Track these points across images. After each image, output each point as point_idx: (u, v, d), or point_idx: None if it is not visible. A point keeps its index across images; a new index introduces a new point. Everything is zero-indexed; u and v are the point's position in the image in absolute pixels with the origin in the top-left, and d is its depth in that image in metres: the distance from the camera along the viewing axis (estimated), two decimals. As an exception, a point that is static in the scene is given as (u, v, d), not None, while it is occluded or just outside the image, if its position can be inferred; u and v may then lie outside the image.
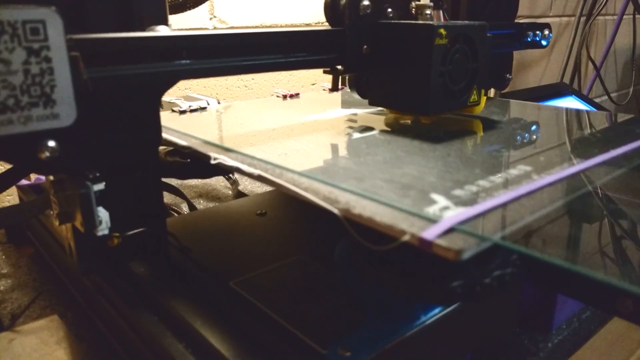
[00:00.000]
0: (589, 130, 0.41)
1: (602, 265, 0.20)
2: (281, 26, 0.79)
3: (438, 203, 0.21)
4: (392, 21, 0.36)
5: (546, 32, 0.52)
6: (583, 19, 1.21)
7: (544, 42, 0.52)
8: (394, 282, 0.22)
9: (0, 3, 0.21)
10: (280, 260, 0.32)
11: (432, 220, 0.19)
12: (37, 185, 0.50)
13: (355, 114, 0.42)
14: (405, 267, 0.22)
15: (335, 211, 0.21)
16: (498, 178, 0.25)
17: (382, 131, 0.35)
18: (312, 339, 0.24)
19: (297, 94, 0.55)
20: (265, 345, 0.25)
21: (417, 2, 0.39)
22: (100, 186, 0.29)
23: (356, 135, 0.35)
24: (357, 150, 0.31)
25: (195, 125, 0.40)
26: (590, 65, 1.28)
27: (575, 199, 0.23)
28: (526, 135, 0.36)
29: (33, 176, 0.52)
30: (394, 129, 0.36)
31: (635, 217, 0.24)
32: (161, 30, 0.29)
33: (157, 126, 0.30)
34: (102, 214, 0.30)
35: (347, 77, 0.41)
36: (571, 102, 0.69)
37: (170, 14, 0.49)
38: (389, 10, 0.37)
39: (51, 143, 0.25)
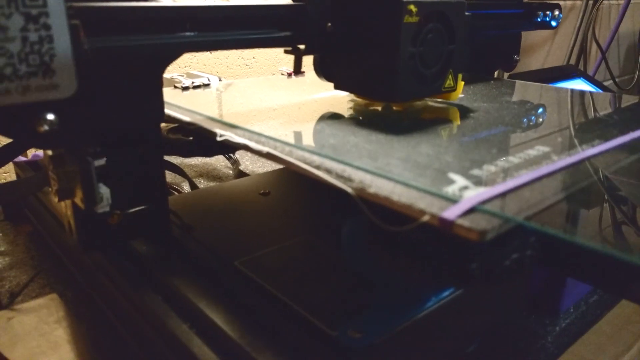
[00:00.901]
0: (605, 112, 0.40)
1: (617, 246, 0.19)
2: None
3: (457, 182, 0.20)
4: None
5: (556, 12, 0.51)
6: (590, 2, 1.19)
7: (553, 23, 0.51)
8: (410, 264, 0.21)
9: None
10: (286, 240, 0.31)
11: (451, 200, 0.18)
12: (35, 162, 0.49)
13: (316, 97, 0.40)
14: (422, 249, 0.22)
15: (350, 190, 0.20)
16: (517, 159, 0.24)
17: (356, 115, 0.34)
18: (321, 321, 0.24)
19: (303, 72, 0.54)
20: (271, 326, 0.24)
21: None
22: (101, 162, 0.28)
23: (362, 114, 0.34)
24: (367, 128, 0.30)
25: (199, 101, 0.39)
26: (594, 49, 1.27)
27: (594, 182, 0.22)
28: (536, 118, 0.36)
29: (30, 152, 0.51)
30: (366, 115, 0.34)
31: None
32: (164, 0, 0.27)
33: (159, 101, 0.29)
34: (103, 190, 0.29)
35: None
36: (580, 85, 0.68)
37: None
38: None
39: (50, 116, 0.24)
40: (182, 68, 0.68)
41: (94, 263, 0.32)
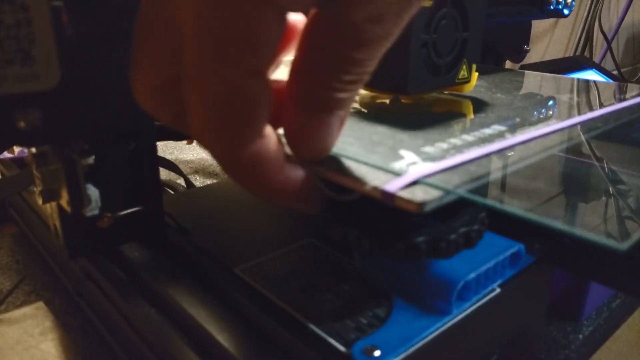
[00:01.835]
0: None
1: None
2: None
3: (405, 159, 0.20)
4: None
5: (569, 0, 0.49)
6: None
7: (566, 11, 0.49)
8: (358, 239, 0.21)
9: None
10: (290, 244, 0.29)
11: (397, 175, 0.18)
12: (21, 159, 0.46)
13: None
14: (370, 223, 0.21)
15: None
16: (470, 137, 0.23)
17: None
18: (332, 336, 0.21)
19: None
20: (278, 342, 0.22)
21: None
22: (89, 160, 0.26)
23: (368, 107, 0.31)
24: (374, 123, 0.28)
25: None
26: (597, 40, 1.25)
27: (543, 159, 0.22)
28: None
29: (17, 148, 0.49)
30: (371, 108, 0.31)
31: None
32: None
33: (152, 93, 0.27)
34: (92, 191, 0.26)
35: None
36: (592, 76, 0.66)
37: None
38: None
39: (31, 109, 0.22)
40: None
41: (81, 269, 0.30)
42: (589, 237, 0.15)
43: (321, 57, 0.15)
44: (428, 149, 0.21)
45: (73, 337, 0.30)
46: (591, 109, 0.30)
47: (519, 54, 0.52)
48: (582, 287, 0.32)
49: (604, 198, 0.23)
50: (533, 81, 0.40)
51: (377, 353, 0.20)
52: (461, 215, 0.23)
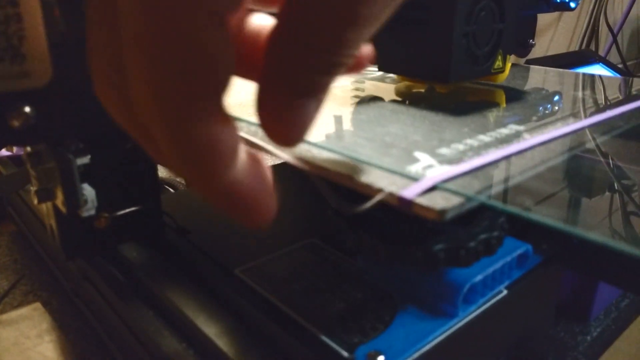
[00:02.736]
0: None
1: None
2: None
3: (421, 161, 0.19)
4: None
5: (576, -8, 0.47)
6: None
7: (572, 4, 0.47)
8: (374, 247, 0.20)
9: None
10: (292, 244, 0.28)
11: (413, 179, 0.17)
12: (19, 157, 0.45)
13: (362, 80, 0.38)
14: (384, 228, 0.21)
15: (307, 168, 0.19)
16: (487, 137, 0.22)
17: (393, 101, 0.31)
18: (334, 340, 0.21)
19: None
20: (278, 346, 0.22)
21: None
22: (84, 160, 0.25)
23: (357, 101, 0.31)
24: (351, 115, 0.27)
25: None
26: (602, 33, 1.23)
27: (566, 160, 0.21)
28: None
29: (14, 147, 0.48)
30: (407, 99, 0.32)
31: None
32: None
33: (150, 90, 0.26)
34: (88, 191, 0.26)
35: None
36: (599, 70, 0.65)
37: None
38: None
39: (24, 108, 0.21)
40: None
41: (78, 270, 0.29)
42: (630, 251, 0.14)
43: (310, 35, 0.13)
44: (444, 150, 0.20)
45: (70, 339, 0.29)
46: (616, 106, 0.29)
47: (524, 49, 0.51)
48: (591, 287, 0.31)
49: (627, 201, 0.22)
50: (548, 77, 0.40)
51: (380, 358, 0.20)
52: (480, 221, 0.22)
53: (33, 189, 0.27)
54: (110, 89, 0.14)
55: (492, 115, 0.27)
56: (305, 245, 0.28)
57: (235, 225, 0.31)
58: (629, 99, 0.31)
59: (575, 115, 0.27)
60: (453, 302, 0.22)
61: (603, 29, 1.24)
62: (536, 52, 1.22)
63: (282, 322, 0.22)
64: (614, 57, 1.22)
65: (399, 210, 0.17)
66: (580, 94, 0.34)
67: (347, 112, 0.27)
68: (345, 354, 0.20)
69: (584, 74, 0.40)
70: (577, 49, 1.21)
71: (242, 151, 0.15)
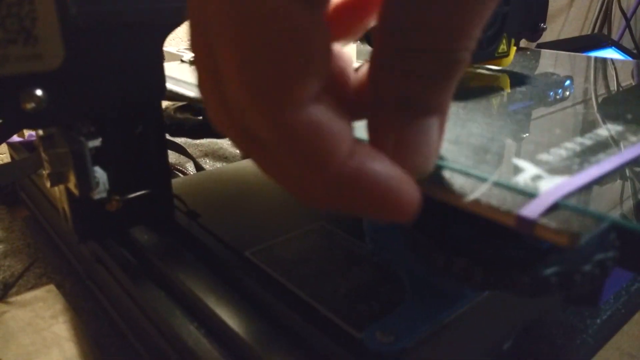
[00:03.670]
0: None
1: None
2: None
3: (526, 171, 0.15)
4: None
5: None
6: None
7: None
8: (469, 270, 0.17)
9: None
10: (301, 227, 0.28)
11: (525, 194, 0.14)
12: (30, 142, 0.46)
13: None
14: (483, 253, 0.17)
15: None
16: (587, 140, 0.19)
17: None
18: (344, 321, 0.21)
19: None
20: (288, 327, 0.22)
21: None
22: (96, 142, 0.25)
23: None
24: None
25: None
26: (615, 17, 1.22)
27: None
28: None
29: (26, 132, 0.48)
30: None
31: None
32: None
33: (160, 74, 0.26)
34: (99, 174, 0.26)
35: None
36: (611, 54, 0.64)
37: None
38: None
39: (36, 91, 0.21)
40: (188, 41, 0.65)
41: (90, 253, 0.29)
42: None
43: (423, 34, 0.12)
44: (545, 156, 0.17)
45: (84, 319, 0.30)
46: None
47: (535, 33, 0.50)
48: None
49: None
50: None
51: (390, 338, 0.20)
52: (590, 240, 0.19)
53: (45, 172, 0.27)
54: (218, 106, 0.13)
55: (575, 111, 0.23)
56: (315, 228, 0.28)
57: (245, 209, 0.32)
58: None
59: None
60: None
61: (616, 13, 1.22)
62: (547, 37, 1.21)
63: (291, 303, 0.22)
64: (627, 42, 1.20)
65: (492, 228, 0.14)
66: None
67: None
68: (355, 333, 0.20)
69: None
70: (589, 33, 1.19)
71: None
